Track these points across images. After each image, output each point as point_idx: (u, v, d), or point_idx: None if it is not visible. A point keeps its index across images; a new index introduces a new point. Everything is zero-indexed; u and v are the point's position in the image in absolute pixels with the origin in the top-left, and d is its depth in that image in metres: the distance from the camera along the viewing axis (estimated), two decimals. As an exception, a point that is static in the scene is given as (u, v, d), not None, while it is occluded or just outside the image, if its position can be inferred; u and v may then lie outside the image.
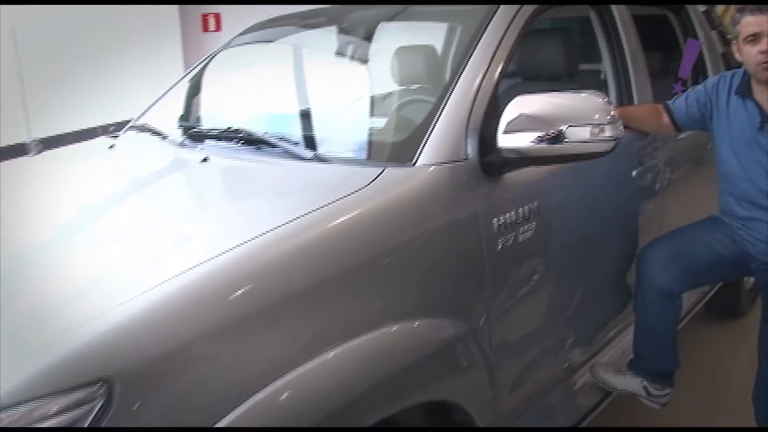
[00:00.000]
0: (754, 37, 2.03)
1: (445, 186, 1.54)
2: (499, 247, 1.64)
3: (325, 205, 1.36)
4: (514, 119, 1.57)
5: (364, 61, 2.19)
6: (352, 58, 2.23)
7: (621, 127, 1.61)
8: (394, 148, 1.68)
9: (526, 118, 1.57)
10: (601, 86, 2.51)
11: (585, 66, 2.90)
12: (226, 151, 1.89)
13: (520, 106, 1.58)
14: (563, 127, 1.55)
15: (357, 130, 1.89)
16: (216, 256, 1.23)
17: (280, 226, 1.30)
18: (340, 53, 2.30)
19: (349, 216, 1.37)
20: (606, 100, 1.59)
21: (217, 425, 1.12)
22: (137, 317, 1.13)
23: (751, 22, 2.03)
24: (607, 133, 1.56)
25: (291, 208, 1.36)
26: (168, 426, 1.08)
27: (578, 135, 1.55)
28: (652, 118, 2.35)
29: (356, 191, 1.42)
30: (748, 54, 2.06)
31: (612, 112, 1.58)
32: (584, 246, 2.06)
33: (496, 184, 1.65)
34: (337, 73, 2.15)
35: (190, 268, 1.20)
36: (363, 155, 1.74)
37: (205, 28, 6.11)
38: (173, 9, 5.88)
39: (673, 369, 2.38)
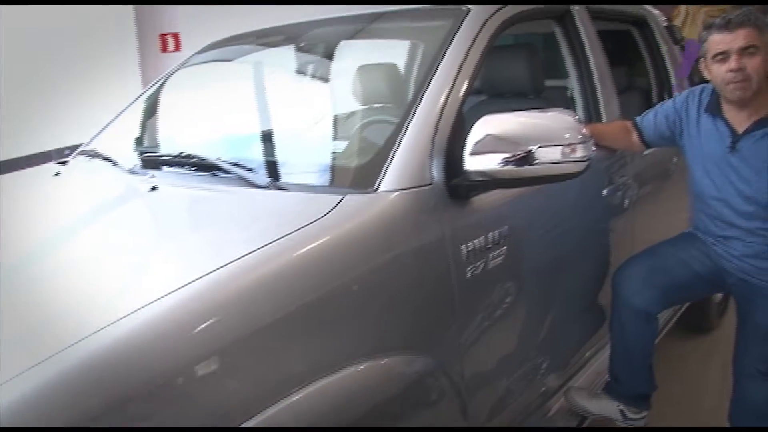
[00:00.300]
0: (723, 56, 1.97)
1: (410, 213, 1.45)
2: (469, 275, 1.55)
3: (278, 239, 1.26)
4: (481, 140, 1.49)
5: (324, 81, 2.10)
6: (311, 78, 2.13)
7: (592, 147, 1.54)
8: (354, 174, 1.58)
9: (494, 138, 1.49)
10: (567, 103, 2.46)
11: (551, 82, 2.86)
12: (179, 178, 1.79)
13: (487, 126, 1.50)
14: (533, 148, 1.47)
15: (316, 155, 1.79)
16: (158, 299, 1.11)
17: (226, 265, 1.19)
18: (298, 73, 2.20)
19: (305, 250, 1.26)
20: (576, 118, 1.52)
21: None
22: (73, 369, 1.01)
23: (718, 40, 1.98)
24: (579, 153, 1.49)
25: (240, 243, 1.25)
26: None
27: (548, 156, 1.48)
28: (622, 136, 2.30)
29: (313, 222, 1.32)
30: (717, 73, 2.00)
31: (583, 131, 1.51)
32: (556, 269, 1.99)
33: (463, 208, 1.57)
34: (295, 94, 2.04)
35: (130, 314, 1.09)
36: (322, 182, 1.64)
37: (164, 49, 5.97)
38: (131, 29, 5.72)
39: (650, 391, 2.33)
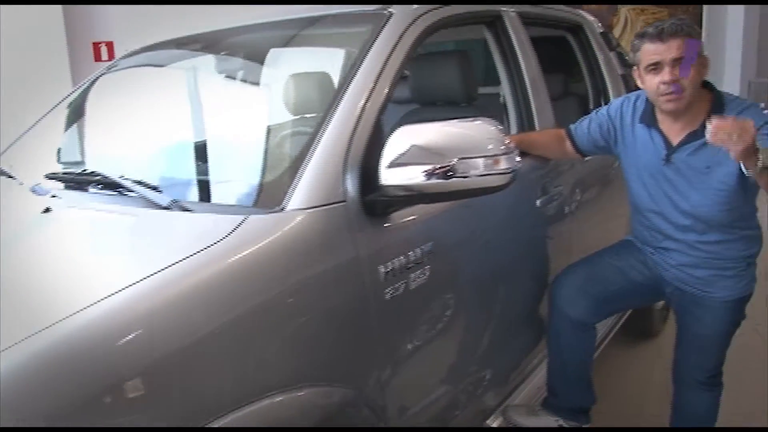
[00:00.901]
0: (656, 67, 1.90)
1: (319, 233, 1.33)
2: (388, 296, 1.44)
3: (162, 269, 1.13)
4: (399, 152, 1.39)
5: (238, 92, 1.96)
6: (225, 88, 1.98)
7: (517, 158, 1.45)
8: (260, 192, 1.45)
9: (412, 150, 1.39)
10: (501, 111, 2.39)
11: (490, 89, 2.79)
12: (84, 198, 1.65)
13: (404, 137, 1.40)
14: (454, 160, 1.38)
15: (223, 172, 1.65)
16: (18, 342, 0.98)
17: (101, 300, 1.06)
18: (211, 83, 2.06)
19: (194, 279, 1.13)
20: (499, 128, 1.42)
21: None
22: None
23: (651, 50, 1.90)
24: (503, 165, 1.40)
25: (121, 274, 1.12)
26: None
27: (470, 168, 1.38)
28: (555, 144, 2.24)
29: (206, 248, 1.19)
30: (650, 84, 1.93)
31: (506, 142, 1.42)
32: (489, 285, 1.90)
33: (381, 226, 1.46)
34: (207, 105, 1.89)
35: None
36: (228, 201, 1.51)
37: (97, 58, 5.75)
38: (61, 37, 5.48)
39: (589, 405, 2.27)
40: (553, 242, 2.29)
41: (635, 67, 2.03)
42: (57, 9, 5.44)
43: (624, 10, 8.40)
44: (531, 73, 2.28)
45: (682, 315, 2.16)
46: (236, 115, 1.81)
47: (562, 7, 2.94)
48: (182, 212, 1.42)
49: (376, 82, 1.57)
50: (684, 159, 1.96)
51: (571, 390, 2.20)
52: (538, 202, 2.12)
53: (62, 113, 2.36)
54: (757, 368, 3.06)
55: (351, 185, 1.42)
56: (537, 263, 2.24)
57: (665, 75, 1.88)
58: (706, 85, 1.99)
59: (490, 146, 1.40)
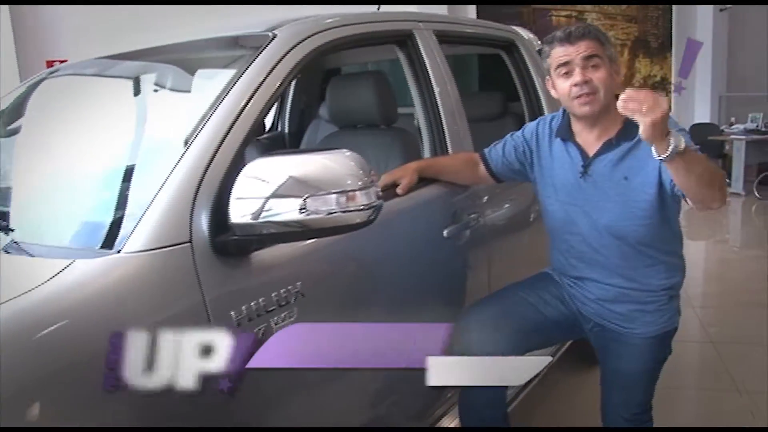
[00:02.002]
0: (566, 68, 1.85)
1: (156, 278, 1.22)
2: (242, 345, 1.33)
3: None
4: (249, 187, 1.29)
5: (94, 123, 1.82)
6: (82, 119, 1.85)
7: (378, 194, 1.35)
8: (94, 232, 1.34)
9: (266, 185, 1.28)
10: (416, 133, 2.30)
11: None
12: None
13: (255, 171, 1.30)
14: (306, 195, 1.28)
15: (58, 210, 1.51)
16: None
17: None
18: (68, 114, 1.92)
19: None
20: (358, 162, 1.33)
21: None
22: None
23: (560, 52, 1.85)
24: (361, 200, 1.30)
25: None
26: None
27: (324, 204, 1.28)
28: (466, 168, 2.14)
29: (16, 297, 1.07)
30: (562, 88, 1.87)
31: (366, 177, 1.32)
32: (378, 322, 1.78)
33: (237, 267, 1.35)
34: (61, 137, 1.77)
35: None
36: (65, 242, 1.39)
37: (52, 76, 5.62)
38: (11, 54, 5.35)
39: (506, 449, 2.15)
40: (466, 275, 2.17)
41: (547, 78, 1.96)
42: (6, 24, 5.30)
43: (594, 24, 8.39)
44: (445, 96, 2.18)
45: (604, 352, 2.06)
46: (91, 147, 1.69)
47: (493, 23, 2.86)
48: (23, 255, 1.31)
49: (242, 111, 1.46)
50: (600, 170, 1.89)
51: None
52: (445, 232, 2.01)
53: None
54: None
55: (202, 224, 1.31)
56: (443, 298, 2.11)
57: (576, 76, 1.83)
58: None
59: (348, 181, 1.30)
